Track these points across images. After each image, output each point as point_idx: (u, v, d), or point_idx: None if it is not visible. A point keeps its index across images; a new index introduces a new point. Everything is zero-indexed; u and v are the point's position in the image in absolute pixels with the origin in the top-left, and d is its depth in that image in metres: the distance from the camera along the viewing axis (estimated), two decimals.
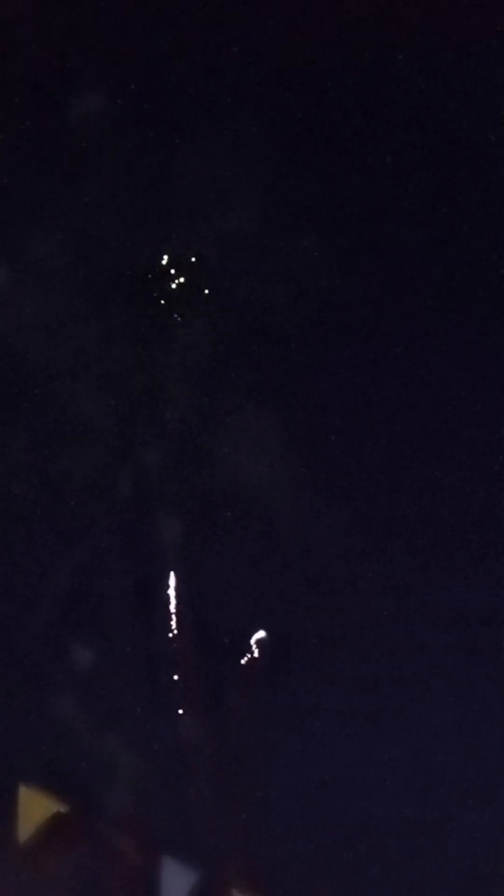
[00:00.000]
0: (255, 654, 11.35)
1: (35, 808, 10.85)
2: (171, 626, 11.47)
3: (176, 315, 11.80)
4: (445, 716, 11.36)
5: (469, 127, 11.75)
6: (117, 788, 10.99)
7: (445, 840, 11.05)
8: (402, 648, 11.39)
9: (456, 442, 11.77)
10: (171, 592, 11.47)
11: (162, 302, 11.81)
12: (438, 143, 11.79)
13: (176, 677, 11.31)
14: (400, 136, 11.79)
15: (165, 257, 11.77)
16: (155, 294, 11.84)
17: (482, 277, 11.73)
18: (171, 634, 11.45)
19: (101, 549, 11.50)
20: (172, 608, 11.46)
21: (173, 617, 11.47)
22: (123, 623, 11.43)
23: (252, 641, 11.45)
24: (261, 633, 11.40)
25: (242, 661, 11.39)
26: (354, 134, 11.80)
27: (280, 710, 11.34)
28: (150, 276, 11.78)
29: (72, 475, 11.61)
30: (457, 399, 11.78)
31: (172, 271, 11.81)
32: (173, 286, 11.83)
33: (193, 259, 11.84)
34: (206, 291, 11.82)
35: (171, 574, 11.46)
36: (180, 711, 11.20)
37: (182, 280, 11.84)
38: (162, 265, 11.80)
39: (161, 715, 11.22)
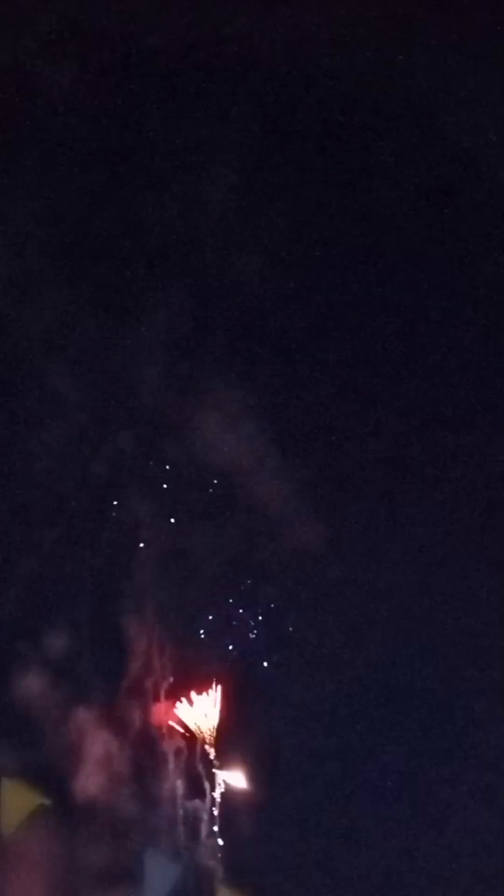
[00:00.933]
0: None
1: (19, 801, 10.75)
2: (145, 607, 11.36)
3: (150, 286, 11.61)
4: (444, 715, 11.34)
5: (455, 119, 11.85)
6: (102, 783, 10.88)
7: (445, 840, 10.93)
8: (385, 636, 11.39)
9: (438, 412, 11.70)
10: (145, 573, 11.39)
11: (135, 273, 11.65)
12: (429, 133, 11.86)
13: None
14: (384, 117, 11.86)
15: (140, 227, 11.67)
16: (128, 264, 11.67)
17: (467, 249, 11.80)
18: (146, 618, 11.37)
19: (73, 529, 11.47)
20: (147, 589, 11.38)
21: (148, 598, 11.39)
22: (97, 606, 11.35)
23: None
24: None
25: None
26: (339, 107, 11.86)
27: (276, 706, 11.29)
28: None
29: (43, 451, 11.50)
30: (439, 368, 11.71)
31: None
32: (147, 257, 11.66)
33: (168, 230, 11.69)
34: (181, 263, 11.67)
35: (145, 554, 11.40)
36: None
37: (156, 251, 11.69)
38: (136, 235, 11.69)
39: (143, 707, 11.13)
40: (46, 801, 10.80)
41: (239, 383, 11.68)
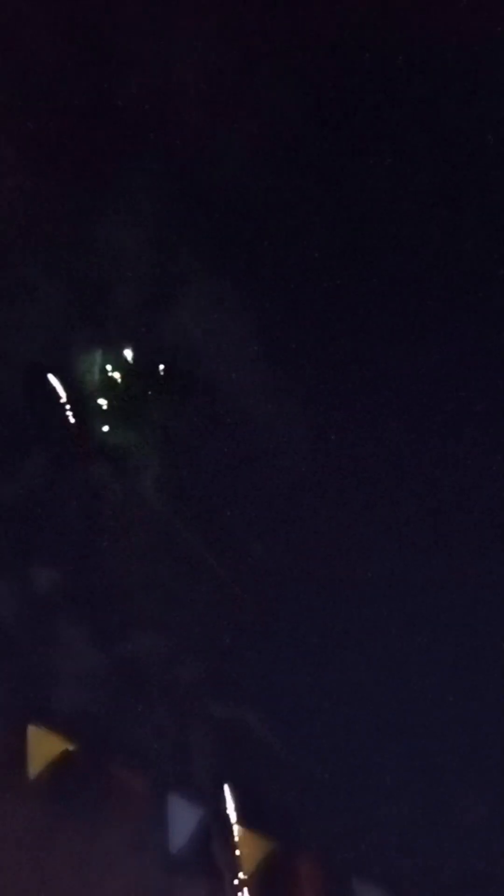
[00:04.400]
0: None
1: (44, 746, 11.03)
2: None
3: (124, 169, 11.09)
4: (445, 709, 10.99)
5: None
6: (126, 728, 11.24)
7: (445, 836, 10.84)
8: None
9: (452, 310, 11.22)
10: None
11: (107, 153, 11.14)
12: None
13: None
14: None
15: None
16: (99, 145, 11.19)
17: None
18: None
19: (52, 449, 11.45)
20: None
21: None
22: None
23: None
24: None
25: None
26: None
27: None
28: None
29: (19, 353, 11.42)
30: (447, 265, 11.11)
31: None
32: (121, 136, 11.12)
33: (144, 106, 11.10)
34: (158, 143, 11.12)
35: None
36: None
37: (131, 129, 11.12)
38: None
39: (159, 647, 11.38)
40: (72, 747, 11.13)
41: (222, 277, 11.23)
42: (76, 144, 11.48)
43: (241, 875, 10.84)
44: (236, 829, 10.97)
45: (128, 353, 11.63)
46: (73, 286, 11.50)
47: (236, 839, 10.93)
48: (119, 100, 11.32)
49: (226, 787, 11.16)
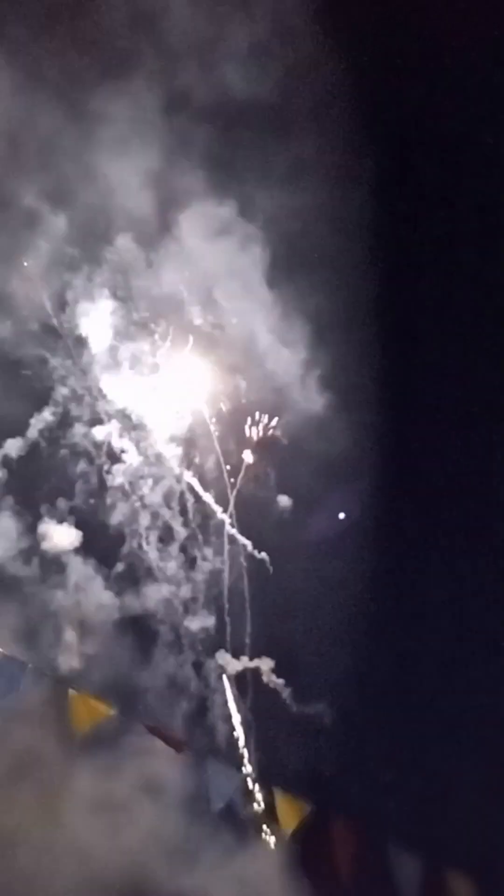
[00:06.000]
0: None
1: (86, 711, 10.85)
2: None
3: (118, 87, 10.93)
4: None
5: None
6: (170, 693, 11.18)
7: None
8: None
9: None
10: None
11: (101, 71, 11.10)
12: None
13: None
14: None
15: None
16: (93, 60, 11.26)
17: None
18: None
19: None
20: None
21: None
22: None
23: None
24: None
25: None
26: None
27: None
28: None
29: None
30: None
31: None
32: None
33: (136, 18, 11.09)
34: (151, 59, 11.18)
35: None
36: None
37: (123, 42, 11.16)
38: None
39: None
40: (113, 711, 10.97)
41: (223, 195, 11.29)
42: (72, 70, 11.51)
43: (278, 834, 11.00)
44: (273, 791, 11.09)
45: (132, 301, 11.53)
46: (75, 220, 11.59)
47: (273, 801, 11.06)
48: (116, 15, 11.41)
49: None
